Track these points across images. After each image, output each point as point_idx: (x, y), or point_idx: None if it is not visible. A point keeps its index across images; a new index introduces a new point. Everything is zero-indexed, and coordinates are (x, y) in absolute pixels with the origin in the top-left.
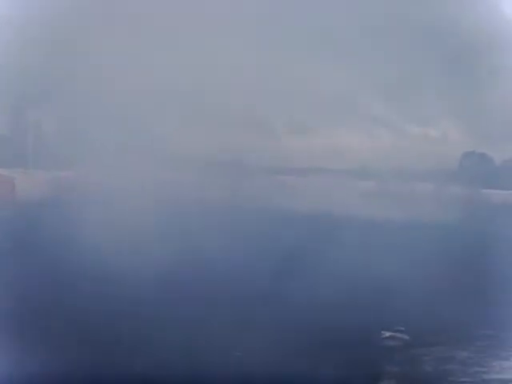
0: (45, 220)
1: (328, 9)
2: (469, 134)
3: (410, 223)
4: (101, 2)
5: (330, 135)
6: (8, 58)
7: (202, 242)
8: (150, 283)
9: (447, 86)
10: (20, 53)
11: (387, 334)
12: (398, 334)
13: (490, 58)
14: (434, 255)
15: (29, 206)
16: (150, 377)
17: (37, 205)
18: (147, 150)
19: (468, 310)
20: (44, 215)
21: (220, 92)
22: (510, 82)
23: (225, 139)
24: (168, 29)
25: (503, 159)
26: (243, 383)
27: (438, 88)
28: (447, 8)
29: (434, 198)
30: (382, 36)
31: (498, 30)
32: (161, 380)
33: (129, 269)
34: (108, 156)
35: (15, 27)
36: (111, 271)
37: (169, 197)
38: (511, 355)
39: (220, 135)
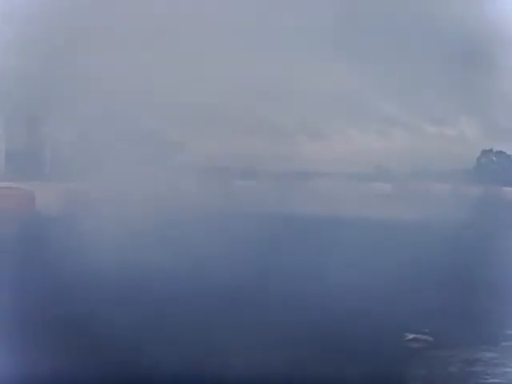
0: (63, 232)
1: (338, 9)
2: (484, 131)
3: (426, 223)
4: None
5: (344, 138)
6: (22, 70)
7: (211, 250)
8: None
9: (460, 84)
10: (33, 65)
11: (411, 336)
12: (422, 336)
13: (501, 55)
14: (450, 255)
15: (48, 218)
16: None
17: (56, 217)
18: (159, 158)
19: (489, 310)
20: (63, 227)
21: (228, 96)
22: None
23: (238, 145)
24: (169, 31)
25: None
26: None
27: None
28: (460, 5)
29: (451, 197)
30: (391, 35)
31: (509, 26)
32: None
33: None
34: (120, 166)
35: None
36: (124, 284)
37: (177, 204)
38: None
39: (231, 141)
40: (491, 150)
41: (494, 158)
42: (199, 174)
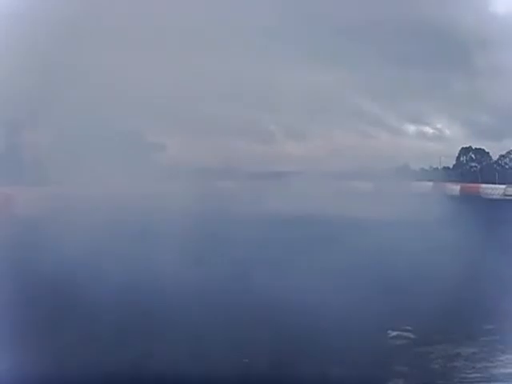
0: (44, 235)
1: (319, 13)
2: (463, 130)
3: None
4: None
5: (325, 137)
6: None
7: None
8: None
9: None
10: (14, 69)
11: (393, 333)
12: (404, 333)
13: (481, 56)
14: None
15: (28, 222)
16: None
17: (36, 221)
18: (141, 159)
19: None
20: (43, 231)
21: (211, 99)
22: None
23: (219, 146)
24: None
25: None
26: None
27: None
28: (438, 7)
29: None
30: (372, 37)
31: (489, 27)
32: None
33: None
34: (102, 167)
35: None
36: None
37: (161, 206)
38: None
39: (214, 142)
40: (470, 148)
41: (473, 156)
42: (180, 174)
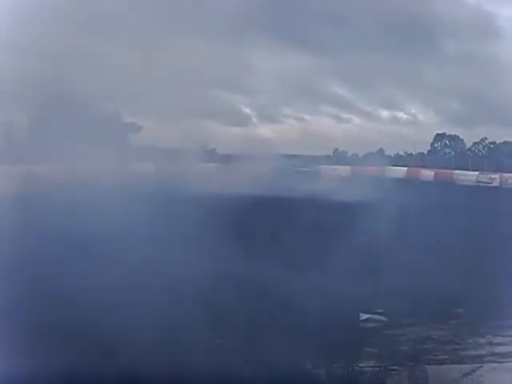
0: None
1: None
2: (437, 117)
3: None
4: None
5: (299, 122)
6: None
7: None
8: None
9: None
10: None
11: (365, 316)
12: (376, 316)
13: (451, 42)
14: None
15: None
16: None
17: (9, 200)
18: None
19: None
20: (18, 211)
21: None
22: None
23: (192, 128)
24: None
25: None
26: None
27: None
28: None
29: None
30: (347, 22)
31: (458, 15)
32: None
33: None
34: (76, 148)
35: None
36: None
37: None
38: (486, 332)
39: (187, 124)
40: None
41: (447, 142)
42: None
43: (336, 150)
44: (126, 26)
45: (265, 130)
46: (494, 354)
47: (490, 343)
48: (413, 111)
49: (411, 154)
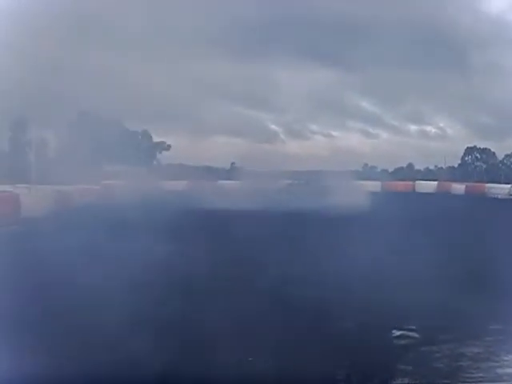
0: (49, 235)
1: (320, 13)
2: (466, 129)
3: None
4: None
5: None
6: (8, 76)
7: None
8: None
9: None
10: (20, 70)
11: (397, 332)
12: (409, 333)
13: (477, 54)
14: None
15: (34, 221)
16: None
17: (41, 220)
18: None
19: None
20: (49, 230)
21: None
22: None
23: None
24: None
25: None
26: None
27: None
28: (438, 8)
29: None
30: (373, 38)
31: (482, 26)
32: None
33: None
34: (106, 167)
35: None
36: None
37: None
38: None
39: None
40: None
41: (478, 156)
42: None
43: (366, 165)
44: (153, 46)
45: (292, 147)
46: None
47: None
48: (441, 125)
49: (441, 167)
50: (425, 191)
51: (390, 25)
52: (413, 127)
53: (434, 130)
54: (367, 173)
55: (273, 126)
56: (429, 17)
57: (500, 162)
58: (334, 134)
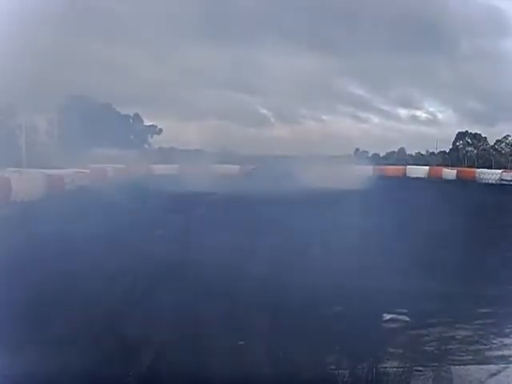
0: (43, 218)
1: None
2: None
3: None
4: None
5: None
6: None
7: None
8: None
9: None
10: (12, 57)
11: (388, 316)
12: (399, 316)
13: (467, 40)
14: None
15: (26, 205)
16: None
17: (33, 204)
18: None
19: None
20: (41, 214)
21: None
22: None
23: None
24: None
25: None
26: None
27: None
28: None
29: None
30: (363, 22)
31: (472, 12)
32: None
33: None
34: (98, 151)
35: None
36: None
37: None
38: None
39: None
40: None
41: (469, 141)
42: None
43: (357, 150)
44: (143, 31)
45: (283, 131)
46: None
47: None
48: (431, 109)
49: (433, 152)
50: (416, 176)
51: (380, 9)
52: (403, 112)
53: (424, 115)
54: (359, 158)
55: (263, 111)
56: (418, 1)
57: (491, 147)
58: (325, 118)
